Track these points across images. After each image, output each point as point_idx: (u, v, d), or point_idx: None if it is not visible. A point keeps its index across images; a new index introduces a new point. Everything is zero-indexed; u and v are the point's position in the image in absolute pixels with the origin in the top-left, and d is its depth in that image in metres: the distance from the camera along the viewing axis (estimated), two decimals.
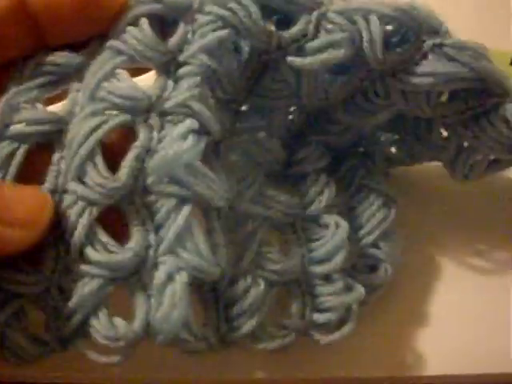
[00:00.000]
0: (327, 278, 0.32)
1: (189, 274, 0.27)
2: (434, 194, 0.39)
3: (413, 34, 0.31)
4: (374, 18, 0.30)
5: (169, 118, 0.29)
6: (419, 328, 0.34)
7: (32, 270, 0.28)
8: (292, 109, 0.35)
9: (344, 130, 0.35)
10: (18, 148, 0.29)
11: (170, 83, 0.30)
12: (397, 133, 0.37)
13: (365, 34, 0.30)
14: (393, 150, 0.38)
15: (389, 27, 0.31)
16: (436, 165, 0.37)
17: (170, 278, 0.27)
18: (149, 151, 0.29)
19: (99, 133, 0.28)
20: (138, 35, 0.30)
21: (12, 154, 0.29)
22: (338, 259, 0.32)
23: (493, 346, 0.33)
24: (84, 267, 0.27)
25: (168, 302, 0.26)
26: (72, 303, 0.27)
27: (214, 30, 0.30)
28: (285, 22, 0.32)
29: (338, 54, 0.31)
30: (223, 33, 0.30)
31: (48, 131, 0.30)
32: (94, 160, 0.28)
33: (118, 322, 0.27)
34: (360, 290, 0.32)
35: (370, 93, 0.33)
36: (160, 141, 0.29)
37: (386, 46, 0.31)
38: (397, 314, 0.34)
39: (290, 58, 0.31)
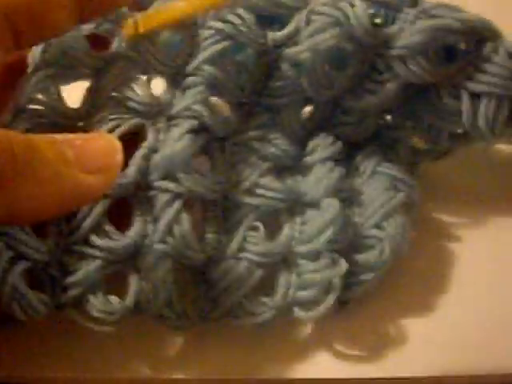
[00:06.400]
0: (313, 256, 0.33)
1: (174, 261, 0.31)
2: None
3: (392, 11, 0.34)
4: (358, 2, 0.33)
5: (174, 121, 0.33)
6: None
7: (39, 238, 0.30)
8: (304, 105, 0.36)
9: (360, 121, 0.36)
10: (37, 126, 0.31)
11: (179, 93, 0.34)
12: (412, 115, 0.36)
13: (351, 13, 0.33)
14: (415, 140, 0.37)
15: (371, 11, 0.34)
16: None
17: (156, 264, 0.31)
18: (154, 152, 0.32)
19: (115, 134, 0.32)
20: (152, 50, 0.33)
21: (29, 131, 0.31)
22: (325, 237, 0.32)
23: None
24: (88, 250, 0.31)
25: (154, 285, 0.31)
26: (73, 278, 0.30)
27: (215, 44, 0.33)
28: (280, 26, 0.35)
29: (326, 36, 0.33)
30: (222, 45, 0.34)
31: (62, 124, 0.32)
32: None
33: (113, 299, 0.31)
34: (343, 264, 0.32)
35: (373, 74, 0.34)
36: (164, 142, 0.33)
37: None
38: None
39: (286, 51, 0.34)
